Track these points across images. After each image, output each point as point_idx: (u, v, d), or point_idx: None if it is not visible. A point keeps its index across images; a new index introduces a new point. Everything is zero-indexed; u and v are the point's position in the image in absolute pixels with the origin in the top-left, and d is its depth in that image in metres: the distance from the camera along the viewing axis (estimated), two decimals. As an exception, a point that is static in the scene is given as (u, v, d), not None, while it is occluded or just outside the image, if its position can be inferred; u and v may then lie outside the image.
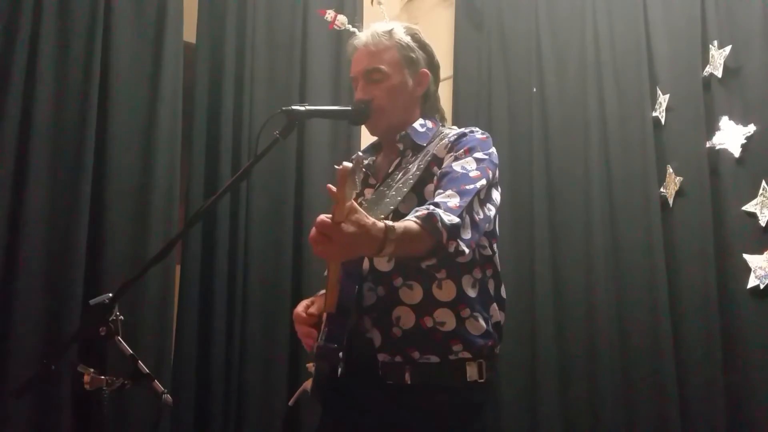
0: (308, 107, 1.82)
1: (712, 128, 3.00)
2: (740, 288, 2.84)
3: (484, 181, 1.74)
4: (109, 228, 3.04)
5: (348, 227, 1.39)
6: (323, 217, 1.41)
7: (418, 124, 1.93)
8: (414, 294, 1.78)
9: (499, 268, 1.89)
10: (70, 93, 3.02)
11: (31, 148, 2.89)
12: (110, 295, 1.62)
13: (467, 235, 1.64)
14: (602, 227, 3.30)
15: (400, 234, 1.49)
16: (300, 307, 1.91)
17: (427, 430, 1.73)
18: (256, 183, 3.45)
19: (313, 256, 3.36)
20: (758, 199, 2.84)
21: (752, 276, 2.81)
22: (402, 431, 1.74)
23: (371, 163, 1.99)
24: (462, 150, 1.79)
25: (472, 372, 1.76)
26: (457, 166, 1.75)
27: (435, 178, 1.79)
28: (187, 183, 3.31)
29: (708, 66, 3.05)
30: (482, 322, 1.79)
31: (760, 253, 2.81)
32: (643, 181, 3.19)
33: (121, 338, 1.62)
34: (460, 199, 1.66)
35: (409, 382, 1.74)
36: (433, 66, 2.00)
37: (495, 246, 1.88)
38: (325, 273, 2.11)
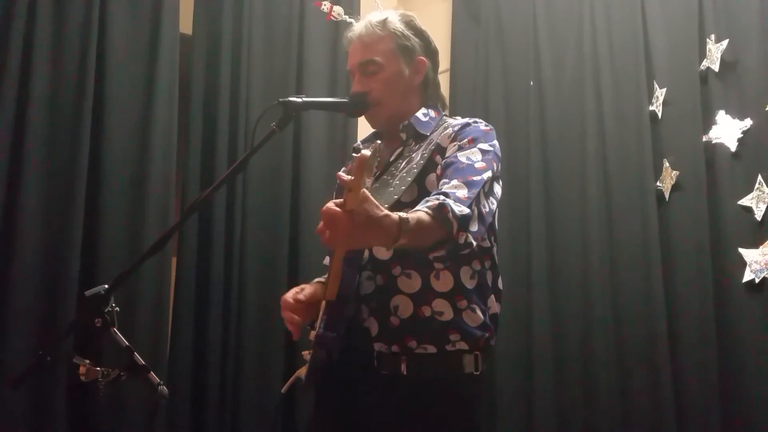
0: (305, 99, 1.82)
1: (708, 122, 3.00)
2: (736, 282, 2.84)
3: (489, 173, 1.74)
4: (104, 220, 3.03)
5: (360, 217, 1.38)
6: (331, 205, 1.39)
7: (421, 114, 1.93)
8: (413, 283, 1.78)
9: (497, 259, 1.89)
10: (65, 84, 3.01)
11: (26, 140, 2.88)
12: (106, 286, 1.62)
13: (474, 227, 1.64)
14: (598, 221, 3.30)
15: (413, 225, 1.48)
16: (289, 294, 1.89)
17: (421, 421, 1.73)
18: (253, 174, 3.44)
19: (310, 248, 3.42)
20: (754, 193, 2.85)
21: (748, 270, 2.82)
22: (396, 422, 1.74)
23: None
24: (466, 140, 1.79)
25: (468, 364, 1.77)
26: (462, 157, 1.74)
27: (438, 167, 1.78)
28: (183, 175, 3.31)
29: (705, 60, 3.05)
30: (480, 314, 1.79)
31: (756, 247, 2.82)
32: (640, 175, 3.19)
33: (117, 330, 1.61)
34: (468, 191, 1.66)
35: (405, 373, 1.74)
36: (431, 52, 1.98)
37: (493, 238, 1.88)
38: (324, 261, 2.12)
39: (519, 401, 3.39)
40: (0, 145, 2.84)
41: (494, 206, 1.78)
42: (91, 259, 2.97)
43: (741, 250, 2.84)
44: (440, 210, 1.55)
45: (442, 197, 1.60)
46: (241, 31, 3.51)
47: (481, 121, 1.88)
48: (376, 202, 1.42)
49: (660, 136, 3.21)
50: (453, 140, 1.81)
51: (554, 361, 3.33)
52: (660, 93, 3.20)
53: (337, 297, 1.65)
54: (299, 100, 1.81)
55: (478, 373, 1.78)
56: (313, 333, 1.82)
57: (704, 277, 2.92)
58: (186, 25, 3.43)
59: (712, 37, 3.03)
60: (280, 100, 1.80)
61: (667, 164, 3.14)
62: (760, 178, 2.83)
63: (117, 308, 1.63)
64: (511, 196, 3.51)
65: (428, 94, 1.99)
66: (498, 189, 1.82)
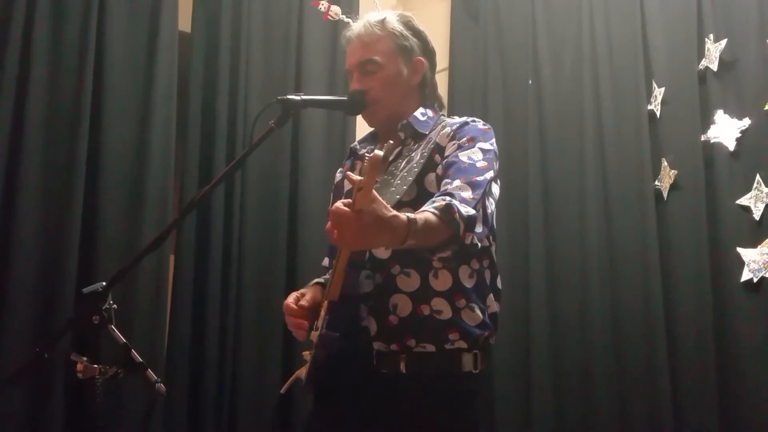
0: (304, 97, 1.82)
1: (707, 122, 3.00)
2: (734, 281, 2.84)
3: (491, 173, 1.75)
4: (103, 217, 3.03)
5: (369, 217, 1.38)
6: (339, 204, 1.39)
7: (419, 113, 1.93)
8: (411, 281, 1.78)
9: (495, 259, 1.89)
10: (64, 81, 3.01)
11: (25, 137, 2.88)
12: (104, 283, 1.62)
13: (479, 228, 1.65)
14: (597, 220, 3.30)
15: (421, 226, 1.49)
16: (290, 299, 1.89)
17: (420, 419, 1.73)
18: (251, 172, 3.44)
19: (308, 245, 3.42)
20: (752, 192, 2.85)
21: (746, 270, 2.82)
22: (395, 421, 1.74)
23: (370, 151, 1.98)
24: (465, 138, 1.79)
25: (467, 362, 1.77)
26: (463, 156, 1.75)
27: (438, 167, 1.78)
28: (182, 173, 3.31)
29: (704, 59, 3.05)
30: (478, 312, 1.79)
31: (754, 246, 2.81)
32: (638, 175, 3.19)
33: (115, 327, 1.61)
34: (473, 192, 1.66)
35: (404, 371, 1.74)
36: (429, 52, 1.98)
37: (492, 237, 1.88)
38: (323, 263, 2.12)
39: (517, 400, 3.39)
40: (-1, 144, 2.85)
41: (493, 206, 1.78)
42: (89, 257, 2.97)
43: (739, 250, 2.84)
44: (447, 211, 1.55)
45: (448, 198, 1.60)
46: (240, 30, 3.52)
47: (479, 120, 1.88)
48: (384, 203, 1.42)
49: (658, 135, 3.21)
50: (452, 139, 1.81)
51: (552, 361, 3.33)
52: (659, 92, 3.20)
53: (339, 297, 1.64)
54: (298, 98, 1.81)
55: (477, 371, 1.78)
56: (314, 333, 1.82)
57: (702, 276, 2.92)
58: (185, 24, 3.43)
59: (711, 36, 3.03)
60: (279, 98, 1.80)
61: (666, 163, 3.14)
62: (758, 177, 2.83)
63: (114, 305, 1.63)
64: (509, 195, 3.51)
65: (426, 95, 1.99)
66: (496, 189, 1.82)
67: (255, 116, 1.87)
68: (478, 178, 1.70)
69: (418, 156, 1.78)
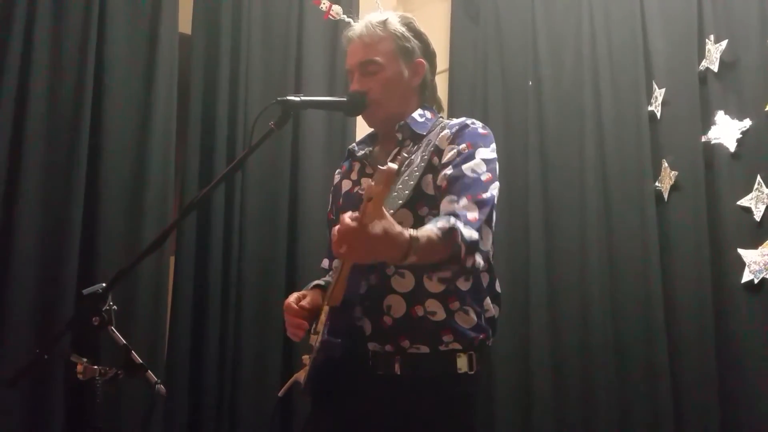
0: (303, 98, 1.81)
1: (707, 123, 3.01)
2: (734, 282, 2.84)
3: (496, 186, 1.75)
4: (103, 219, 3.03)
5: (376, 228, 1.39)
6: (347, 221, 1.40)
7: (417, 114, 1.92)
8: (406, 282, 1.77)
9: (492, 262, 1.88)
10: (64, 84, 3.01)
11: (25, 140, 2.88)
12: (104, 284, 1.62)
13: (486, 246, 1.66)
14: (597, 221, 3.30)
15: (423, 245, 1.49)
16: (291, 298, 1.89)
17: (416, 421, 1.72)
18: (251, 174, 3.44)
19: (308, 246, 3.42)
20: (753, 193, 2.85)
21: (747, 271, 2.82)
22: (391, 422, 1.73)
23: (368, 153, 1.98)
24: (465, 144, 1.77)
25: (462, 363, 1.76)
26: (467, 170, 1.73)
27: (438, 174, 1.76)
28: (182, 174, 3.31)
29: (704, 60, 3.05)
30: (473, 316, 1.78)
31: (755, 247, 2.82)
32: (638, 175, 3.19)
33: (115, 328, 1.61)
34: (479, 212, 1.66)
35: (398, 373, 1.74)
36: (429, 55, 1.98)
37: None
38: (322, 264, 2.12)
39: (517, 401, 3.39)
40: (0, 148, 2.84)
41: (494, 214, 1.79)
42: (89, 258, 2.97)
43: (740, 251, 2.84)
44: (450, 234, 1.56)
45: (452, 219, 1.59)
46: (240, 31, 3.52)
47: (478, 122, 1.86)
48: (392, 220, 1.43)
49: (659, 136, 3.21)
50: (451, 142, 1.80)
51: (552, 361, 3.33)
52: (659, 93, 3.20)
53: (341, 303, 1.64)
54: (297, 98, 1.80)
55: (473, 372, 1.77)
56: (314, 337, 1.82)
57: (703, 277, 2.93)
58: (185, 25, 3.43)
59: (712, 37, 3.03)
60: (279, 98, 1.79)
61: (666, 164, 3.14)
62: (759, 178, 2.83)
63: (115, 307, 1.63)
64: (509, 197, 3.52)
65: (425, 97, 1.98)
66: (497, 191, 1.81)
67: (255, 117, 1.87)
68: (484, 196, 1.70)
69: (418, 159, 1.77)
